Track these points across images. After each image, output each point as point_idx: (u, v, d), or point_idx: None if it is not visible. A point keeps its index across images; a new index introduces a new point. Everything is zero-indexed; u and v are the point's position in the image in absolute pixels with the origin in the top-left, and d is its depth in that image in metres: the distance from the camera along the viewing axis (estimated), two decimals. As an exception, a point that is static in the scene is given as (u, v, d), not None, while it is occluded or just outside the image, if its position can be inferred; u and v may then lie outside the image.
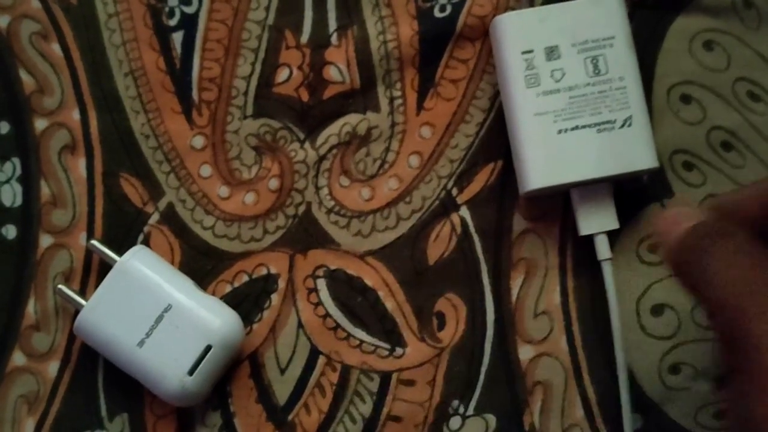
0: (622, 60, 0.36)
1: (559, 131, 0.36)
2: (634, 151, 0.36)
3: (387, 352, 0.38)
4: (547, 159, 0.36)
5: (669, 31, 0.38)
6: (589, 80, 0.36)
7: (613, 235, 0.37)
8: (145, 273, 0.37)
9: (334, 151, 0.39)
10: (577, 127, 0.36)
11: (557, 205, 0.38)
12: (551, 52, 0.36)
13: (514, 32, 0.37)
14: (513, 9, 0.39)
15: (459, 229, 0.38)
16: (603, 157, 0.35)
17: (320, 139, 0.39)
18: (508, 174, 0.38)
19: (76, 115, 0.40)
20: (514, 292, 0.38)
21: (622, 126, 0.36)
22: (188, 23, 0.40)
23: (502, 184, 0.38)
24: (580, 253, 0.38)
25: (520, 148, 0.36)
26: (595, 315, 0.37)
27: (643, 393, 0.37)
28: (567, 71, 0.36)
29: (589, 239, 0.37)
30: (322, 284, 0.39)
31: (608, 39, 0.36)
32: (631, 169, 0.35)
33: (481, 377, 0.37)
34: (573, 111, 0.36)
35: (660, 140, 0.37)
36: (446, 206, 0.38)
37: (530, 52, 0.36)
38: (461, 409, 0.37)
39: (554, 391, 0.37)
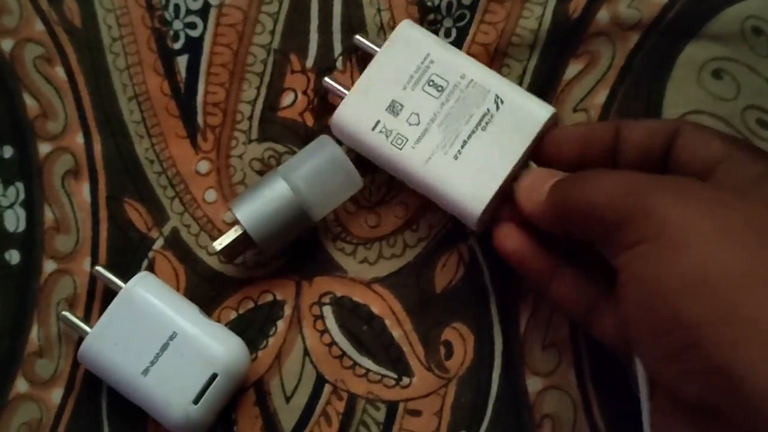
0: (450, 63, 0.37)
1: (455, 156, 0.36)
2: (525, 116, 0.36)
3: (393, 382, 0.38)
4: (466, 185, 0.35)
5: (678, 60, 0.38)
6: (441, 100, 0.36)
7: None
8: (150, 300, 0.37)
9: (340, 176, 0.39)
10: (465, 142, 0.36)
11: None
12: (393, 108, 0.36)
13: (353, 119, 0.37)
14: (518, 35, 0.38)
15: (467, 258, 0.38)
16: (505, 142, 0.35)
17: (325, 165, 0.39)
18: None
19: (79, 139, 0.40)
20: (523, 322, 0.37)
21: (497, 108, 0.36)
22: (193, 47, 0.40)
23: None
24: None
25: (439, 197, 0.36)
26: (604, 349, 0.37)
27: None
28: (418, 110, 0.36)
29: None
30: (328, 311, 0.38)
31: (425, 60, 0.37)
32: (537, 129, 0.35)
33: (489, 409, 0.37)
34: (451, 132, 0.36)
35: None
36: (454, 235, 0.38)
37: (378, 123, 0.36)
38: (469, 441, 0.37)
39: (563, 425, 0.37)
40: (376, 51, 0.38)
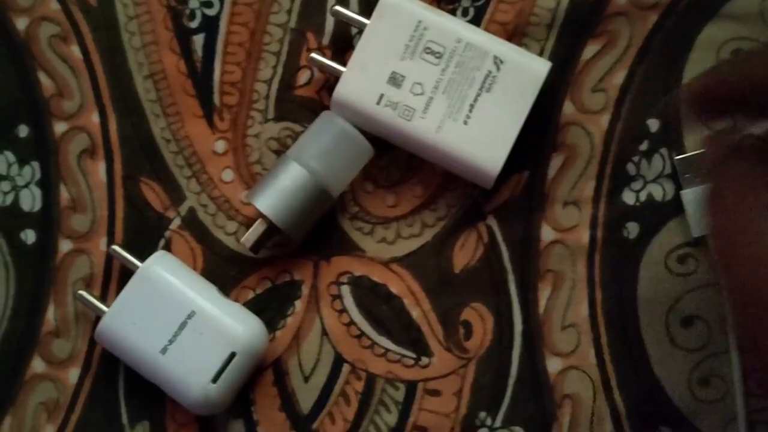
0: (444, 29, 0.37)
1: (464, 122, 0.36)
2: (526, 73, 0.36)
3: (412, 362, 0.38)
4: (481, 148, 0.36)
5: (697, 40, 0.38)
6: (442, 67, 0.36)
7: (640, 247, 0.37)
8: (168, 279, 0.37)
9: (357, 156, 0.39)
10: (472, 106, 0.36)
11: (584, 217, 0.38)
12: (395, 80, 0.36)
13: (355, 96, 0.37)
14: (536, 15, 0.38)
15: (486, 238, 0.38)
16: (512, 101, 0.36)
17: (342, 144, 0.39)
18: (535, 184, 0.38)
19: (95, 118, 0.40)
20: (542, 303, 0.37)
21: (498, 69, 0.36)
22: (209, 26, 0.40)
23: (529, 194, 0.38)
24: (607, 266, 0.37)
25: (454, 162, 0.36)
26: (624, 328, 0.37)
27: (672, 405, 0.36)
28: (420, 79, 0.36)
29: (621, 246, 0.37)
30: (346, 291, 0.38)
31: (418, 27, 0.37)
32: (539, 84, 0.36)
33: (509, 389, 0.37)
34: (457, 98, 0.36)
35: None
36: (472, 215, 0.38)
37: (382, 97, 0.36)
38: (488, 422, 0.37)
39: (583, 405, 0.37)
40: (359, 20, 0.37)
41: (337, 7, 0.38)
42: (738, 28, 0.38)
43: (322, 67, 0.38)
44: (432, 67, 0.36)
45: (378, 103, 0.36)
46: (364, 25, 0.37)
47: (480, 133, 0.36)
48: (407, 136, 0.36)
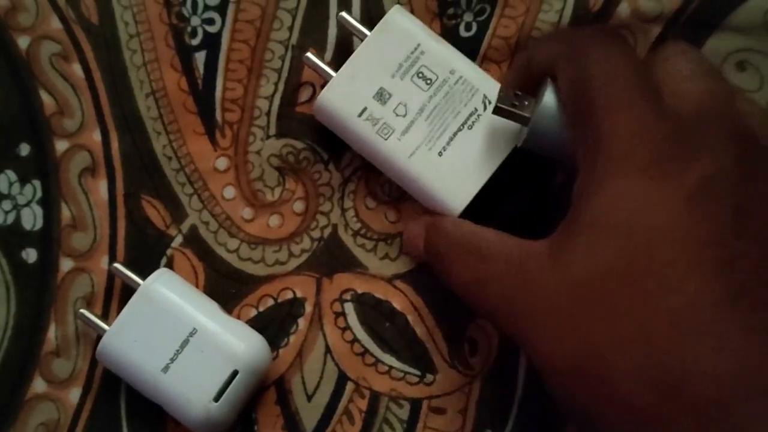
0: (441, 57, 0.36)
1: (440, 153, 0.35)
2: (509, 124, 0.35)
3: (417, 379, 0.37)
4: (450, 183, 0.35)
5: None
6: (429, 93, 0.36)
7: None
8: (170, 297, 0.36)
9: (359, 172, 0.39)
10: (451, 139, 0.36)
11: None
12: (381, 96, 0.36)
13: (339, 103, 0.36)
14: (538, 29, 0.38)
15: (490, 253, 0.38)
16: (492, 145, 0.35)
17: (344, 161, 0.39)
18: (537, 198, 0.38)
19: (97, 136, 0.39)
20: (548, 317, 0.37)
21: (485, 109, 0.36)
22: (211, 43, 0.40)
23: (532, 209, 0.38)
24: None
25: (420, 192, 0.36)
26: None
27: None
28: (406, 101, 0.36)
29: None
30: (349, 308, 0.38)
31: (415, 50, 0.36)
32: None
33: (515, 406, 0.37)
34: (438, 128, 0.36)
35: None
36: (476, 229, 0.38)
37: (364, 110, 0.36)
38: (495, 439, 0.37)
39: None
40: (362, 31, 0.37)
41: (343, 14, 0.38)
42: (742, 40, 0.37)
43: (315, 68, 0.38)
44: (420, 91, 0.36)
45: (360, 115, 0.36)
46: (365, 36, 0.37)
47: (452, 168, 0.35)
48: (380, 154, 0.36)
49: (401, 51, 0.36)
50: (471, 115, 0.36)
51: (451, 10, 0.39)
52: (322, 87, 0.38)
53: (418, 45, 0.36)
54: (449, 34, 0.39)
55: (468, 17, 0.39)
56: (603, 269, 0.27)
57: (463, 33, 0.39)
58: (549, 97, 0.32)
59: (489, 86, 0.36)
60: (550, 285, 0.28)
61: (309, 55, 0.38)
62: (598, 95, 0.29)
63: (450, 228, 0.34)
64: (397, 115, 0.36)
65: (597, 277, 0.27)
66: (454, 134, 0.36)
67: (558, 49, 0.32)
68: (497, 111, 0.34)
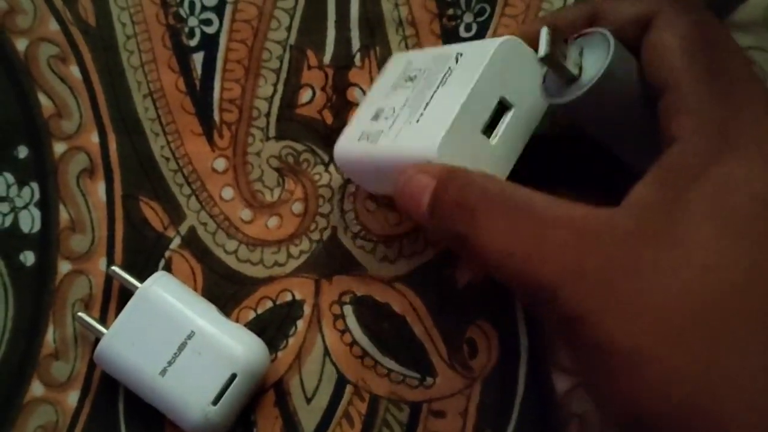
0: (424, 54, 0.35)
1: (417, 120, 0.32)
2: (480, 51, 0.31)
3: (417, 382, 0.37)
4: (422, 136, 0.31)
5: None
6: (412, 86, 0.34)
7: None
8: (167, 299, 0.36)
9: (359, 173, 0.38)
10: (427, 104, 0.32)
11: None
12: (377, 116, 0.34)
13: (348, 146, 0.35)
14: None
15: (489, 254, 0.37)
16: (460, 81, 0.31)
17: (345, 162, 0.38)
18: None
19: (95, 138, 0.39)
20: (548, 319, 0.37)
21: (457, 62, 0.32)
22: (208, 44, 0.39)
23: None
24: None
25: (402, 160, 0.32)
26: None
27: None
28: (395, 104, 0.34)
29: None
30: (348, 310, 0.38)
31: (408, 67, 0.35)
32: (488, 56, 0.31)
33: (516, 408, 0.36)
34: (417, 105, 0.32)
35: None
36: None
37: (362, 134, 0.34)
38: (495, 442, 0.36)
39: (592, 425, 0.36)
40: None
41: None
42: (743, 37, 0.37)
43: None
44: (406, 90, 0.34)
45: (359, 139, 0.34)
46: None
47: (425, 124, 0.31)
48: (374, 157, 0.33)
49: (396, 74, 0.35)
50: (445, 74, 0.32)
51: (450, 11, 0.39)
52: (323, 89, 0.38)
53: (410, 62, 0.35)
54: (449, 36, 0.38)
55: (468, 18, 0.39)
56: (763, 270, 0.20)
57: (463, 33, 0.39)
58: (619, 52, 0.28)
59: (464, 46, 0.33)
60: (657, 281, 0.22)
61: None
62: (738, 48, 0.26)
63: (483, 181, 0.28)
64: (386, 119, 0.34)
65: (747, 279, 0.20)
66: (431, 98, 0.32)
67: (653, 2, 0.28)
68: (546, 60, 0.28)
